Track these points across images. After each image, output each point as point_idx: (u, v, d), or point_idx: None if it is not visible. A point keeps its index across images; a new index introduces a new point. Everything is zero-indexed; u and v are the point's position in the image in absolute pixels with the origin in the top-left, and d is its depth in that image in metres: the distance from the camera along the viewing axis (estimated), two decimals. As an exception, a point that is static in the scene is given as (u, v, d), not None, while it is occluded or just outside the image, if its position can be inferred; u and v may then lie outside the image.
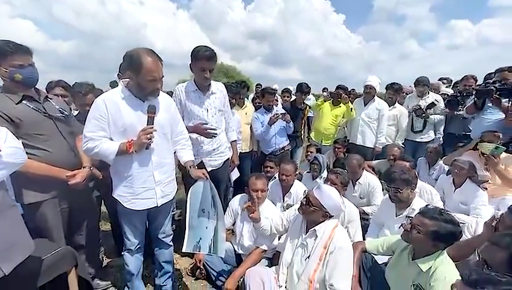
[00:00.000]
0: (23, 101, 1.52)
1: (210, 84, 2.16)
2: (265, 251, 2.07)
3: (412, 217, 1.54)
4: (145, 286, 1.97)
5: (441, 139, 3.80)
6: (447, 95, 3.76)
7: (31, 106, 1.55)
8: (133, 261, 1.80)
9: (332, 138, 3.81)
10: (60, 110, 1.69)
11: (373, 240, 1.83)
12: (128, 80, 1.59)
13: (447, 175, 2.73)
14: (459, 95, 3.47)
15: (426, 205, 1.63)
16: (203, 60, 1.98)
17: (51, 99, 1.72)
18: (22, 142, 1.46)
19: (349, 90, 4.08)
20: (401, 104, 3.84)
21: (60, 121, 1.67)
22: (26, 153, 1.48)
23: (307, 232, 1.71)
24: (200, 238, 1.77)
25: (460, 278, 1.00)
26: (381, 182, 2.70)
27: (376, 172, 3.21)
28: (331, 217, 1.70)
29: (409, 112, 3.68)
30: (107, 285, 2.06)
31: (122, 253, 1.80)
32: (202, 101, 2.15)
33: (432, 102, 3.57)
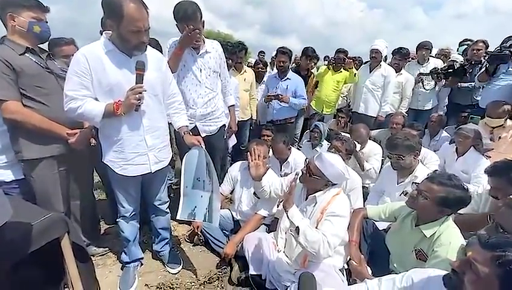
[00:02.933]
0: (26, 54, 1.50)
1: (204, 42, 1.97)
2: (264, 217, 2.04)
3: (418, 183, 1.48)
4: (143, 252, 1.97)
5: (445, 108, 3.69)
6: (456, 61, 3.57)
7: (33, 59, 1.52)
8: (129, 228, 1.76)
9: (333, 106, 3.67)
10: (61, 69, 1.66)
11: (374, 207, 1.79)
12: (111, 32, 1.41)
13: (450, 144, 2.67)
14: (467, 63, 3.29)
15: (434, 171, 1.56)
16: (185, 20, 1.77)
17: (54, 59, 1.70)
18: (22, 93, 1.48)
19: (351, 56, 3.86)
20: None
21: (62, 79, 1.58)
22: (25, 105, 1.48)
23: (306, 199, 1.66)
24: (195, 207, 1.70)
25: (470, 242, 0.95)
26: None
27: (377, 142, 3.13)
28: (333, 185, 1.63)
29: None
30: (103, 251, 2.04)
31: (117, 220, 1.76)
32: (195, 59, 1.97)
33: (435, 68, 3.40)
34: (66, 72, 1.62)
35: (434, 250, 1.34)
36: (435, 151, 2.83)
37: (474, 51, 3.30)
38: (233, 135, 2.64)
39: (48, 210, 1.45)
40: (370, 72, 3.35)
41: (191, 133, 1.74)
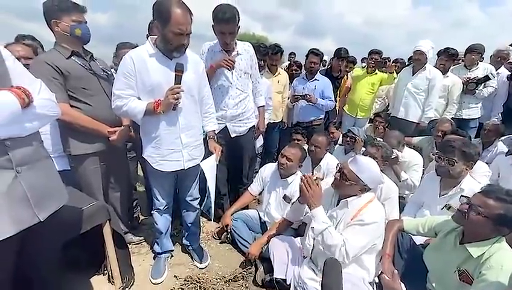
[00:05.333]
0: (72, 57, 1.62)
1: (236, 44, 2.02)
2: (292, 223, 2.01)
3: (468, 196, 1.34)
4: (174, 245, 2.06)
5: (499, 115, 3.30)
6: None
7: (79, 62, 1.64)
8: (162, 220, 1.86)
9: (368, 109, 3.49)
10: (103, 70, 1.78)
11: (412, 219, 1.67)
12: (156, 37, 1.52)
13: (506, 156, 2.38)
14: None
15: (488, 184, 1.41)
16: (221, 23, 1.84)
17: (96, 59, 1.81)
18: (69, 95, 1.60)
19: (385, 57, 3.64)
20: None
21: (104, 80, 1.75)
22: (72, 105, 1.62)
23: (337, 205, 1.60)
24: (210, 207, 1.83)
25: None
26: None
27: (417, 150, 2.91)
28: (368, 189, 1.56)
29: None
30: (139, 240, 2.19)
31: (152, 212, 1.87)
32: None
33: (487, 75, 3.05)
34: (107, 72, 1.78)
35: (482, 273, 1.20)
36: (487, 163, 2.55)
37: None
38: (261, 135, 2.66)
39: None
40: (413, 74, 3.12)
41: (215, 139, 1.82)
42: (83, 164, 1.75)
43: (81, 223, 1.46)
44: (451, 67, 3.46)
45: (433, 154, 2.23)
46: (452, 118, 3.29)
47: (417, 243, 1.65)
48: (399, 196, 2.36)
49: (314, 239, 1.67)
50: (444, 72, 3.16)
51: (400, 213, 2.08)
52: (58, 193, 1.12)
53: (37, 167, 1.02)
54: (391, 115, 3.35)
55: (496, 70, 3.23)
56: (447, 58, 3.15)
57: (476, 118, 3.32)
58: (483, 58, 3.41)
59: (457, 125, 3.28)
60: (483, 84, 3.12)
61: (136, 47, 2.18)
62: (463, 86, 3.18)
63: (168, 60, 1.51)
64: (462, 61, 3.45)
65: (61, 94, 1.57)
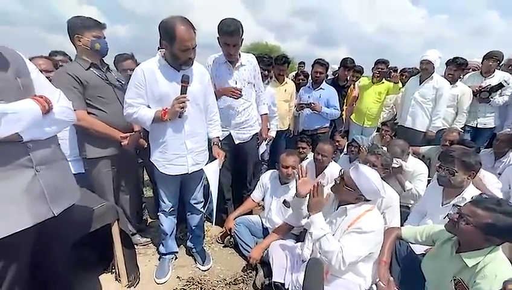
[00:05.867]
0: (91, 68, 1.77)
1: (240, 56, 2.13)
2: (292, 227, 2.05)
3: (460, 206, 1.35)
4: (178, 247, 2.14)
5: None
6: None
7: (96, 73, 1.79)
8: (167, 222, 1.95)
9: (375, 118, 3.50)
10: (117, 80, 1.94)
11: (411, 228, 1.67)
12: (164, 50, 1.64)
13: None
14: None
15: (480, 194, 1.40)
16: (225, 35, 1.94)
17: (111, 70, 1.97)
18: (87, 102, 1.74)
19: (392, 67, 3.65)
20: None
21: (118, 89, 1.89)
22: (89, 112, 1.76)
23: (337, 210, 1.63)
24: (212, 210, 1.92)
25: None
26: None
27: (425, 160, 2.88)
28: (366, 201, 1.58)
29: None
30: (146, 241, 2.28)
31: (158, 213, 1.97)
32: (231, 73, 2.14)
33: (500, 83, 2.99)
34: (121, 82, 1.92)
35: (476, 282, 1.19)
36: (499, 174, 2.49)
37: None
38: (264, 142, 2.73)
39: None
40: (420, 84, 3.12)
41: (219, 145, 1.92)
42: (97, 166, 1.88)
43: (92, 222, 1.57)
44: (467, 75, 3.43)
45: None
46: (466, 127, 3.25)
47: (417, 253, 1.64)
48: (404, 206, 2.37)
49: (313, 244, 1.71)
50: (453, 81, 3.14)
51: (404, 222, 2.08)
52: (71, 191, 1.23)
53: (54, 167, 1.13)
54: (398, 124, 3.34)
55: None
56: (456, 67, 3.12)
57: (492, 128, 3.24)
58: (501, 65, 3.35)
59: (471, 134, 3.24)
60: (497, 92, 3.06)
61: (131, 57, 2.34)
62: (476, 95, 3.13)
63: (175, 72, 1.63)
64: (473, 70, 3.40)
65: (79, 102, 1.72)
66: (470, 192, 1.77)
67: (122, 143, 1.85)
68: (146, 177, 2.93)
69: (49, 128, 1.08)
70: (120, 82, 1.95)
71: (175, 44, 1.50)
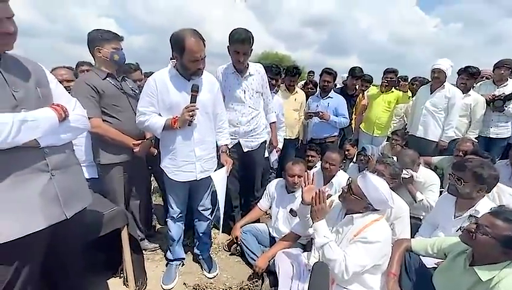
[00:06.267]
0: (107, 78, 1.86)
1: (248, 66, 2.17)
2: (299, 236, 2.03)
3: (477, 216, 1.31)
4: (186, 254, 2.15)
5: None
6: None
7: (112, 83, 1.88)
8: (175, 228, 1.98)
9: (385, 127, 3.46)
10: (132, 89, 2.02)
11: (422, 239, 1.62)
12: (175, 60, 1.71)
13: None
14: None
15: (500, 206, 1.36)
16: (237, 43, 2.00)
17: (126, 80, 2.05)
18: (102, 110, 1.82)
19: (402, 76, 3.62)
20: None
21: (132, 98, 1.97)
22: (104, 120, 1.84)
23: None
24: (219, 217, 1.94)
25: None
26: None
27: (438, 171, 2.80)
28: (374, 210, 1.56)
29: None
30: (154, 247, 2.31)
31: (166, 219, 2.00)
32: (239, 82, 2.18)
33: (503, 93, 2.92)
34: (135, 91, 2.00)
35: (490, 297, 1.15)
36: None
37: None
38: (274, 150, 2.74)
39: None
40: (431, 93, 3.07)
41: (227, 153, 1.95)
42: (110, 172, 1.94)
43: (103, 226, 1.61)
44: (479, 84, 3.36)
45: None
46: (480, 137, 3.16)
47: (428, 266, 1.59)
48: (416, 217, 2.31)
49: (319, 253, 1.68)
50: (465, 91, 3.08)
51: (415, 234, 2.02)
52: (84, 195, 1.28)
53: (68, 171, 1.18)
54: (409, 133, 3.28)
55: None
56: (468, 77, 3.07)
57: (506, 137, 3.15)
58: None
59: (485, 144, 3.15)
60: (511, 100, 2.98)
61: (137, 68, 2.54)
62: (489, 104, 3.06)
63: (185, 82, 1.69)
64: (487, 78, 3.33)
65: (96, 110, 1.80)
66: (484, 205, 1.71)
67: (134, 150, 1.92)
68: (155, 184, 2.99)
69: (64, 135, 1.14)
70: (134, 91, 2.04)
71: (185, 55, 1.56)
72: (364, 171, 2.64)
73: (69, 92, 1.34)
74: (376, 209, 1.55)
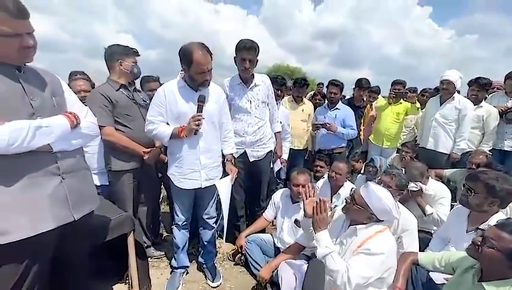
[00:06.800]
0: (120, 89, 1.96)
1: (253, 76, 2.23)
2: (304, 247, 2.00)
3: (483, 229, 1.26)
4: (190, 262, 2.16)
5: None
6: None
7: (125, 93, 1.98)
8: (180, 236, 2.00)
9: (394, 138, 3.41)
10: (143, 99, 2.12)
11: (429, 253, 1.57)
12: (183, 72, 1.79)
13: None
14: None
15: (508, 218, 1.31)
16: (243, 50, 2.07)
17: (138, 91, 2.15)
18: (116, 120, 1.92)
19: (410, 88, 3.59)
20: None
21: (143, 107, 2.06)
22: (116, 128, 1.93)
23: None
24: (223, 226, 1.94)
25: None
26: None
27: (450, 184, 2.71)
28: (378, 221, 1.53)
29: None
30: (160, 255, 2.33)
31: (172, 227, 2.02)
32: (245, 93, 2.23)
33: None
34: (146, 101, 2.09)
35: (500, 316, 1.09)
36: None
37: None
38: (278, 160, 2.75)
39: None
40: (441, 104, 3.02)
41: (232, 162, 1.99)
42: (120, 179, 2.01)
43: (110, 230, 1.66)
44: (490, 95, 3.28)
45: None
46: (493, 150, 3.06)
47: (437, 282, 1.53)
48: (425, 231, 2.23)
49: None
50: (477, 102, 3.02)
51: (425, 248, 1.95)
52: (92, 198, 1.33)
53: (78, 175, 1.25)
54: (420, 145, 3.22)
55: None
56: (479, 88, 3.01)
57: None
58: None
59: (499, 157, 3.03)
60: None
61: (157, 79, 2.61)
62: (502, 116, 2.97)
63: (193, 92, 1.76)
64: (498, 89, 3.25)
65: (109, 119, 1.89)
66: (498, 219, 1.65)
67: (144, 157, 1.99)
68: (164, 193, 3.04)
69: (75, 141, 1.21)
70: (145, 101, 2.13)
71: (192, 67, 1.64)
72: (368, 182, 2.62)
73: (85, 102, 1.43)
74: (380, 220, 1.52)
